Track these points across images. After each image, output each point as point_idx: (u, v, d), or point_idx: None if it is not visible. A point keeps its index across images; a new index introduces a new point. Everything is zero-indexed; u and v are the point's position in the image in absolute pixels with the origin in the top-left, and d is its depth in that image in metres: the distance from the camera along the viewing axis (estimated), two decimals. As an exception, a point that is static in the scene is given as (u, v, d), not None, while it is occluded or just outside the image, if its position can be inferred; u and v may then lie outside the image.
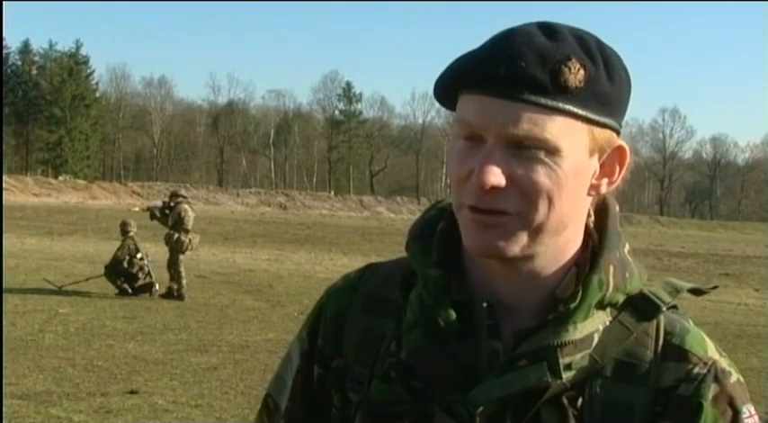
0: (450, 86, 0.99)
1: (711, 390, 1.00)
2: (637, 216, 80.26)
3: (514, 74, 0.94)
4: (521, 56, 0.94)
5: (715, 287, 1.18)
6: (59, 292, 12.61)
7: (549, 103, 0.94)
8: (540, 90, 0.94)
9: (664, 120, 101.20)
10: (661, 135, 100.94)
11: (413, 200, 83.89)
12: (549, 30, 0.97)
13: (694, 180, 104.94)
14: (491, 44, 0.98)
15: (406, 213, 74.49)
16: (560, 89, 0.94)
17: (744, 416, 1.01)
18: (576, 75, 0.94)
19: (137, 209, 13.53)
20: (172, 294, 12.72)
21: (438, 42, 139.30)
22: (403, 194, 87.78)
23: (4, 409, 6.14)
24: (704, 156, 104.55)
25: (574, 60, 0.95)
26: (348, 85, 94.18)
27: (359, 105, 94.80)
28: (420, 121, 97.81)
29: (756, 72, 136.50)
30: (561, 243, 1.01)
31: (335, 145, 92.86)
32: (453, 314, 1.02)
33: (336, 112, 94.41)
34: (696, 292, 1.10)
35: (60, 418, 6.08)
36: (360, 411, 1.06)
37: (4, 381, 6.84)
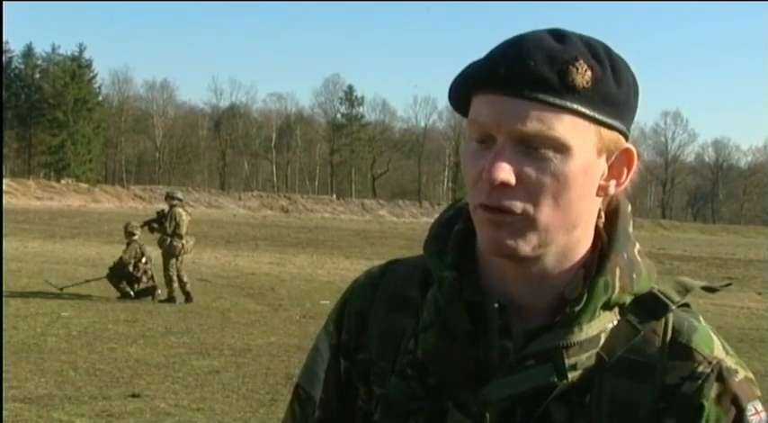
0: (463, 89, 1.02)
1: (714, 389, 1.01)
2: (639, 219, 79.98)
3: (523, 72, 0.96)
4: (530, 55, 0.97)
5: (729, 284, 1.19)
6: (61, 295, 12.63)
7: (558, 101, 0.96)
8: (548, 88, 0.96)
9: (666, 123, 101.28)
10: (663, 138, 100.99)
11: (415, 203, 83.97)
12: (558, 34, 1.00)
13: (696, 183, 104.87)
14: (501, 47, 1.01)
15: (408, 217, 74.56)
16: (568, 88, 0.96)
17: (748, 413, 1.02)
18: (583, 75, 0.97)
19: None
20: (171, 299, 12.79)
21: (440, 46, 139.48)
22: (405, 198, 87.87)
23: (5, 412, 6.13)
24: (706, 159, 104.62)
25: (581, 61, 0.97)
26: (350, 88, 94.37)
27: (361, 109, 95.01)
28: (422, 124, 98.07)
29: (759, 75, 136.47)
30: (572, 243, 1.03)
31: (337, 148, 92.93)
32: (465, 315, 1.04)
33: (338, 116, 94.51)
34: (709, 289, 1.12)
35: (62, 422, 6.07)
36: (379, 406, 1.10)
37: (5, 384, 6.85)
